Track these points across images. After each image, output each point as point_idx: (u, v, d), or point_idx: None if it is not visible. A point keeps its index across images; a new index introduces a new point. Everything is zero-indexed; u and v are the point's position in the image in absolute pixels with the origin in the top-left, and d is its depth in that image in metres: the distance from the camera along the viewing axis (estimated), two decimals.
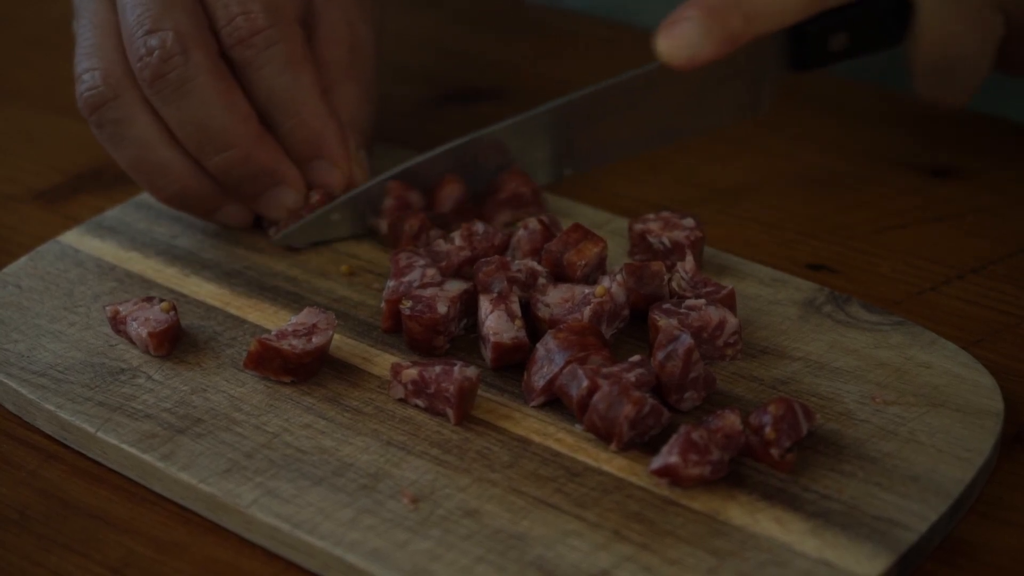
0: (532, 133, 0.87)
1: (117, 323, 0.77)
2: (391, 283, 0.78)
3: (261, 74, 0.82)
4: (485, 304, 0.75)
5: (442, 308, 0.75)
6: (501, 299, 0.75)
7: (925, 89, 0.89)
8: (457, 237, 0.80)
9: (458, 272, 0.79)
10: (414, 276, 0.78)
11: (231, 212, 0.85)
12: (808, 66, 0.88)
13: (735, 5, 0.81)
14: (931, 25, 0.86)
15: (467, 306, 0.77)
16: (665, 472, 0.68)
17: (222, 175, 0.82)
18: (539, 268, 0.78)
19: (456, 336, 0.77)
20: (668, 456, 0.68)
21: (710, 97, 0.88)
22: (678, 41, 0.81)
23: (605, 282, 0.77)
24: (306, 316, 0.76)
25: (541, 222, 0.81)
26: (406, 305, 0.76)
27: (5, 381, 0.75)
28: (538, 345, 0.73)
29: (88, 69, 0.81)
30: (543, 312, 0.76)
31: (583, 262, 0.78)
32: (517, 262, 0.78)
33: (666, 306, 0.75)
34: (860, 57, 0.89)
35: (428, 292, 0.76)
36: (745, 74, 0.88)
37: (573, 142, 0.88)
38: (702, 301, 0.75)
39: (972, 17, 0.86)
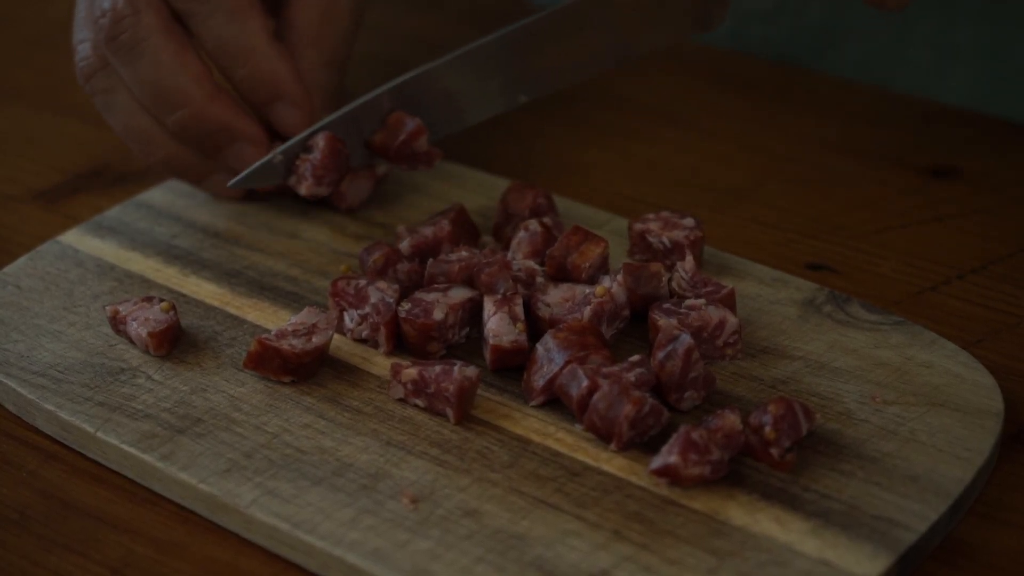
0: (484, 61, 0.87)
1: (117, 323, 0.77)
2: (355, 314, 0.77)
3: (208, 25, 0.82)
4: (489, 305, 0.75)
5: (439, 314, 0.75)
6: (505, 301, 0.75)
7: None
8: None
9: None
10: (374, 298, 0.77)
11: (219, 181, 0.86)
12: None
13: None
14: None
15: (471, 315, 0.77)
16: (665, 472, 0.68)
17: (180, 133, 0.83)
18: (538, 268, 0.78)
19: (455, 344, 0.77)
20: (668, 456, 0.68)
21: (661, 11, 0.88)
22: None
23: (605, 282, 0.77)
24: (306, 316, 0.76)
25: (542, 224, 0.80)
26: (403, 307, 0.76)
27: (5, 381, 0.75)
28: (538, 345, 0.73)
29: (81, 40, 0.84)
30: (543, 312, 0.76)
31: (587, 264, 0.77)
32: (517, 262, 0.78)
33: (666, 306, 0.75)
34: None
35: (430, 296, 0.76)
36: None
37: (527, 67, 0.88)
38: (702, 301, 0.75)
39: None
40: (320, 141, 0.84)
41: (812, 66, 1.08)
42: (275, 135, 0.86)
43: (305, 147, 0.85)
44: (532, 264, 0.78)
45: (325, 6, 0.86)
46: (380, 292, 0.76)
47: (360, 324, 0.77)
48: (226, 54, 0.83)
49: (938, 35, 1.05)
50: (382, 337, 0.76)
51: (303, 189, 0.84)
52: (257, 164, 0.84)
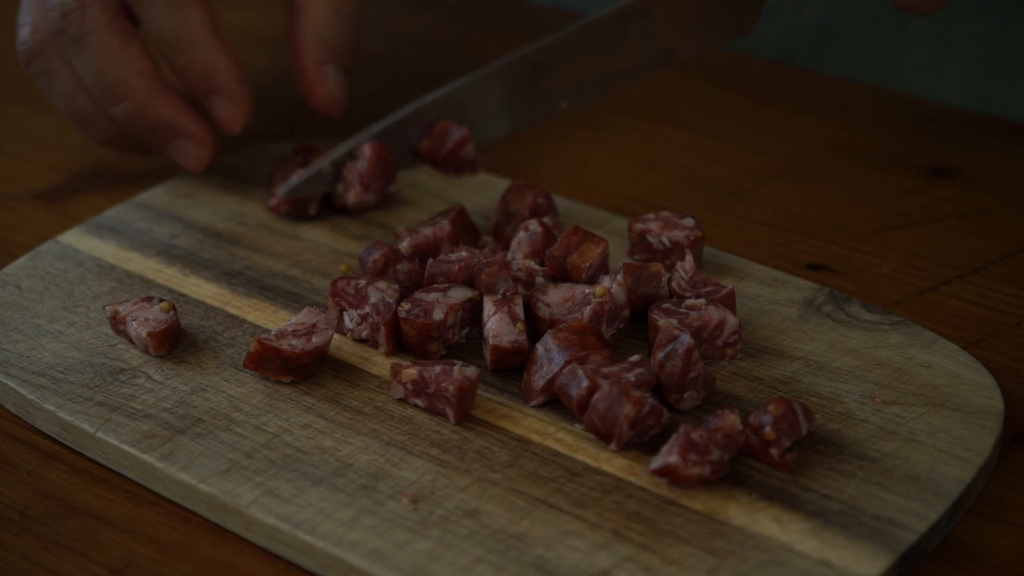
0: (528, 70, 0.89)
1: (117, 323, 0.77)
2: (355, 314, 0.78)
3: (151, 15, 0.84)
4: (489, 305, 0.75)
5: (438, 314, 0.75)
6: (505, 301, 0.75)
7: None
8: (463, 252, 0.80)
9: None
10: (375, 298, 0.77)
11: (180, 148, 0.87)
12: None
13: None
14: None
15: (471, 315, 0.77)
16: (665, 472, 0.68)
17: (126, 125, 0.85)
18: (538, 268, 0.78)
19: (456, 344, 0.77)
20: (668, 456, 0.68)
21: (700, 20, 0.90)
22: None
23: (605, 282, 0.77)
24: (306, 316, 0.76)
25: (542, 224, 0.80)
26: (403, 307, 0.76)
27: (5, 381, 0.75)
28: (538, 345, 0.73)
29: (22, 24, 0.86)
30: (543, 312, 0.76)
31: (587, 264, 0.77)
32: (517, 262, 0.78)
33: (666, 306, 0.75)
34: None
35: (430, 297, 0.76)
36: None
37: (569, 76, 0.90)
38: (702, 301, 0.75)
39: None
40: (367, 150, 0.85)
41: (812, 66, 1.08)
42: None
43: (351, 155, 0.85)
44: (532, 264, 0.78)
45: None
46: (380, 292, 0.76)
47: (360, 324, 0.77)
48: (167, 43, 0.85)
49: (938, 34, 1.05)
50: (382, 337, 0.76)
51: (351, 197, 0.86)
52: (306, 174, 0.85)
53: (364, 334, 0.77)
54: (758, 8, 0.91)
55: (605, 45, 0.89)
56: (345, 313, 0.77)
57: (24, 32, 0.85)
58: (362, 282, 0.77)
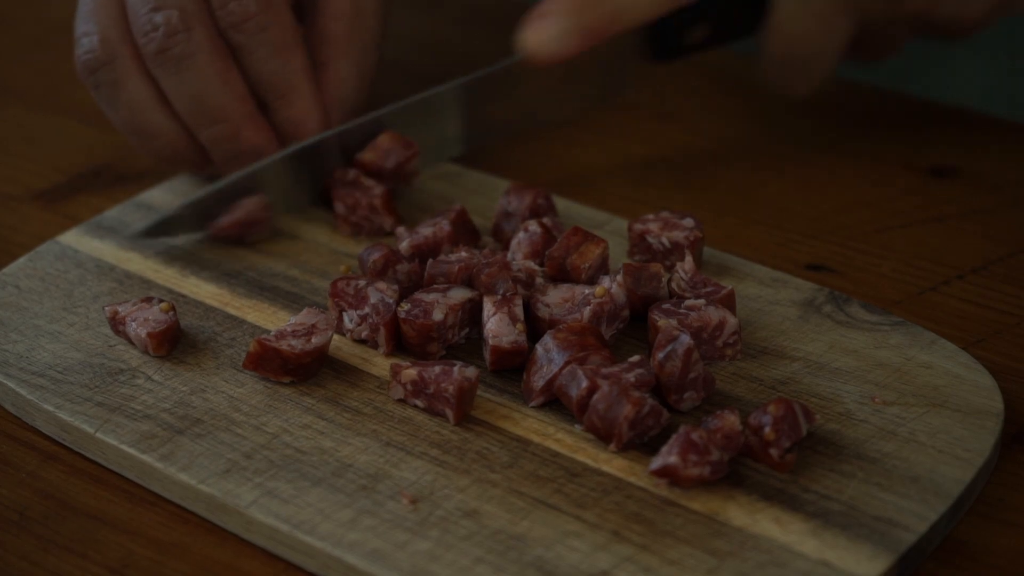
0: (436, 107, 0.90)
1: (116, 323, 0.77)
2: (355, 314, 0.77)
3: (253, 58, 0.85)
4: (489, 306, 0.75)
5: (438, 315, 0.75)
6: (505, 302, 0.75)
7: (773, 78, 0.91)
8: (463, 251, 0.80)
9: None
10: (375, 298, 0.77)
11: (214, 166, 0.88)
12: (667, 57, 0.91)
13: (598, 2, 0.84)
14: (784, 23, 0.88)
15: (470, 315, 0.77)
16: (665, 472, 0.68)
17: (212, 147, 0.85)
18: (537, 268, 0.78)
19: (455, 344, 0.77)
20: (668, 456, 0.68)
21: (570, 86, 0.91)
22: (543, 35, 0.84)
23: (605, 282, 0.77)
24: (305, 316, 0.76)
25: (542, 224, 0.80)
26: (403, 308, 0.76)
27: (5, 381, 0.75)
28: (537, 345, 0.73)
29: (86, 33, 0.85)
30: (543, 312, 0.76)
31: (587, 264, 0.77)
32: (517, 262, 0.78)
33: (666, 306, 0.75)
34: (716, 48, 0.93)
35: (430, 297, 0.76)
36: (604, 64, 0.91)
37: (446, 129, 0.91)
38: (702, 301, 0.75)
39: (823, 19, 0.88)
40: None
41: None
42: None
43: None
44: (532, 264, 0.78)
45: (353, 15, 0.88)
46: (380, 293, 0.76)
47: (360, 325, 0.77)
48: (265, 86, 0.85)
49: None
50: (382, 338, 0.76)
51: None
52: (163, 216, 0.85)
53: (364, 334, 0.77)
54: (624, 81, 0.93)
55: (465, 113, 0.91)
56: (345, 313, 0.77)
57: (90, 41, 0.84)
58: (362, 282, 0.77)
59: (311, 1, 0.88)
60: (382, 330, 0.76)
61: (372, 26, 0.89)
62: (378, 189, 0.85)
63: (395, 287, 0.77)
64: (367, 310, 0.76)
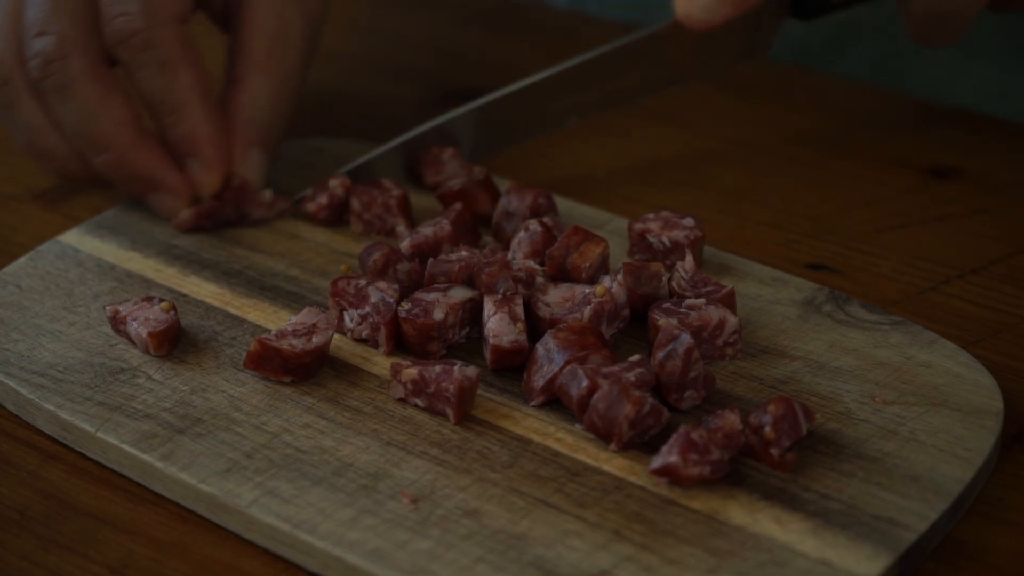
0: (549, 90, 0.91)
1: (117, 323, 0.77)
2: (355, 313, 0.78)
3: (140, 75, 0.83)
4: (489, 305, 0.75)
5: (439, 314, 0.75)
6: (506, 301, 0.75)
7: (918, 34, 0.90)
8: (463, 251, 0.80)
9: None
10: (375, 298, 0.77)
11: (158, 200, 0.87)
12: (810, 15, 0.92)
13: None
14: None
15: (471, 315, 0.77)
16: (665, 472, 0.68)
17: (104, 173, 0.84)
18: (538, 268, 0.78)
19: (456, 344, 0.77)
20: (668, 456, 0.68)
21: (716, 44, 0.91)
22: (696, 3, 0.84)
23: (605, 282, 0.77)
24: (306, 316, 0.76)
25: (542, 224, 0.80)
26: (404, 307, 0.76)
27: (5, 381, 0.75)
28: (538, 345, 0.73)
29: None
30: (543, 312, 0.76)
31: (587, 264, 0.77)
32: (517, 262, 0.78)
33: (666, 306, 0.75)
34: (857, 6, 0.93)
35: (430, 296, 0.76)
36: (749, 22, 0.91)
37: (583, 96, 0.92)
38: (702, 301, 0.75)
39: None
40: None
41: (812, 66, 1.08)
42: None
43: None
44: (532, 264, 0.78)
45: (276, 31, 0.86)
46: (380, 292, 0.76)
47: (360, 324, 0.77)
48: (154, 104, 0.84)
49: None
50: (382, 337, 0.76)
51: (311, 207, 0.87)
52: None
53: (364, 334, 0.77)
54: (772, 33, 0.92)
55: (616, 72, 0.90)
56: (345, 313, 0.77)
57: None
58: (362, 282, 0.77)
59: (234, 16, 0.86)
60: (383, 329, 0.76)
61: (296, 45, 0.87)
62: (396, 191, 0.85)
63: (396, 286, 0.77)
64: (368, 309, 0.76)
